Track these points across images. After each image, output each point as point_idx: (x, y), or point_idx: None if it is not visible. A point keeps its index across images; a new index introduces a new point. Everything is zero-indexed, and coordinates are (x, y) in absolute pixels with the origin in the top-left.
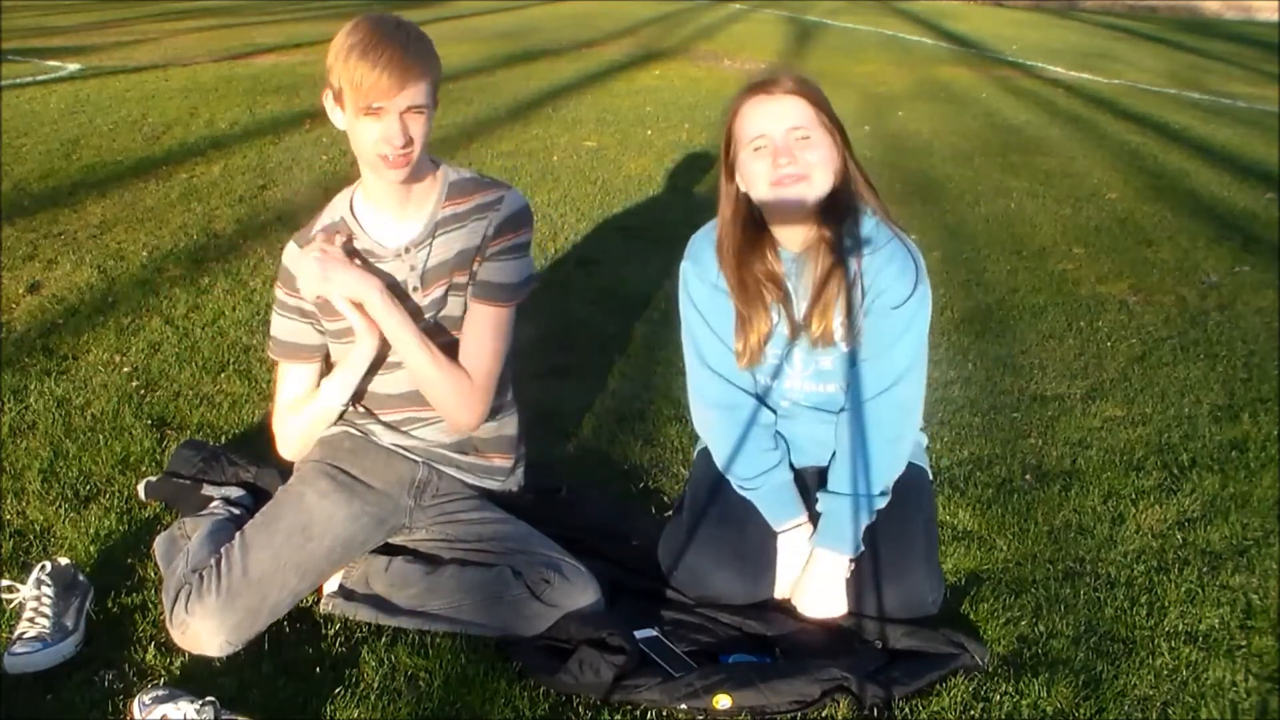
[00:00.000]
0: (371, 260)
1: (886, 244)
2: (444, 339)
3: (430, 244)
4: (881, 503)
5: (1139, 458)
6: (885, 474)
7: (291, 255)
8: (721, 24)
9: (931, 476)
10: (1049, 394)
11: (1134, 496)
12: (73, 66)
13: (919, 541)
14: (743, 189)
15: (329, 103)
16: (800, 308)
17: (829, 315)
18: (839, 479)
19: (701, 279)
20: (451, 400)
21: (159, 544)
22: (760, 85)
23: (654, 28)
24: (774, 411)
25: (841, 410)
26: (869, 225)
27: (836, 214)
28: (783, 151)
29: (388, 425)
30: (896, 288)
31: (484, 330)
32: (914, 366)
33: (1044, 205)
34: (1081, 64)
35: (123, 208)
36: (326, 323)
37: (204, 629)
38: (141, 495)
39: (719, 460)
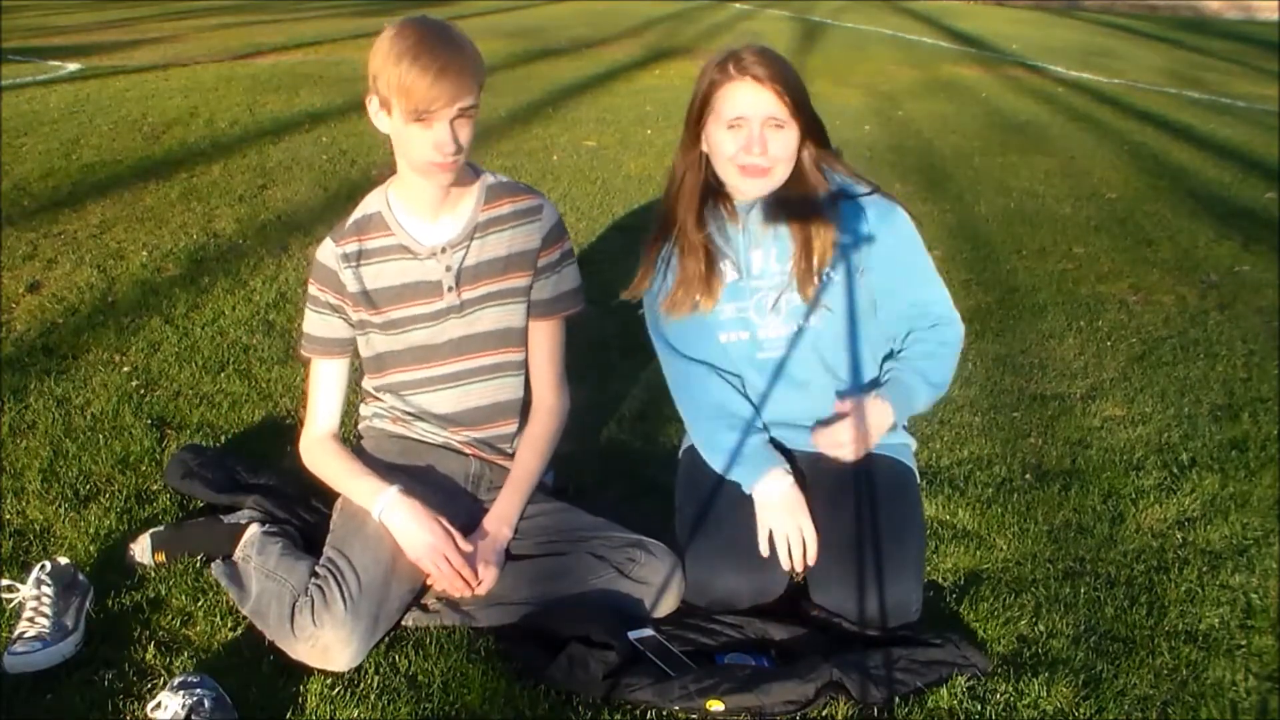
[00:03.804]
0: (406, 258)
1: (853, 187)
2: (480, 359)
3: (468, 245)
4: (935, 395)
5: (1139, 457)
6: (943, 375)
7: (325, 251)
8: (725, 24)
9: (919, 481)
10: (1049, 394)
11: (1134, 496)
12: (73, 66)
13: (913, 549)
14: (705, 151)
15: (373, 107)
16: (756, 257)
17: (799, 256)
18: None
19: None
20: (557, 435)
21: (217, 570)
22: (745, 69)
23: (656, 28)
24: (742, 385)
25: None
26: (835, 179)
27: (798, 178)
28: (756, 141)
29: (439, 417)
30: (881, 219)
31: (552, 344)
32: (940, 286)
33: (1044, 204)
34: (1082, 63)
35: (123, 207)
36: (372, 315)
37: (336, 639)
38: (143, 555)
39: (698, 434)
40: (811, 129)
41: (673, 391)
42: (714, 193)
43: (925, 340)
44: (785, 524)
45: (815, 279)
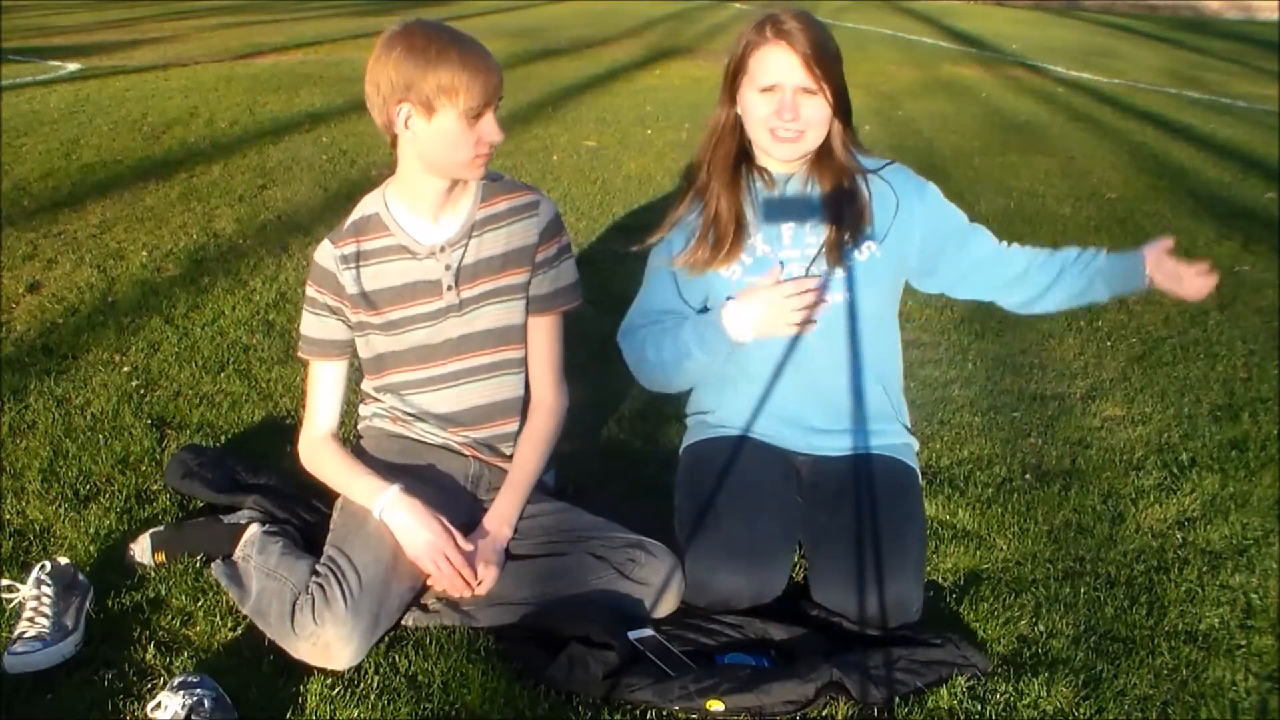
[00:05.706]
0: (405, 258)
1: (880, 164)
2: (479, 358)
3: (466, 244)
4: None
5: (1139, 457)
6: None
7: (324, 253)
8: (725, 24)
9: (922, 481)
10: (1049, 393)
11: (1134, 496)
12: (73, 66)
13: (914, 548)
14: (738, 113)
15: (403, 113)
16: (787, 230)
17: (833, 229)
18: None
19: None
20: (556, 433)
21: (217, 570)
22: (781, 33)
23: (656, 28)
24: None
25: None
26: (858, 155)
27: (826, 148)
28: (788, 107)
29: (439, 417)
30: (911, 188)
31: (550, 340)
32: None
33: (1044, 204)
34: (1082, 63)
35: (123, 208)
36: (372, 317)
37: (337, 637)
38: (143, 555)
39: (643, 364)
40: (840, 101)
41: (631, 363)
42: (749, 160)
43: (1041, 252)
44: (782, 299)
45: (847, 252)
